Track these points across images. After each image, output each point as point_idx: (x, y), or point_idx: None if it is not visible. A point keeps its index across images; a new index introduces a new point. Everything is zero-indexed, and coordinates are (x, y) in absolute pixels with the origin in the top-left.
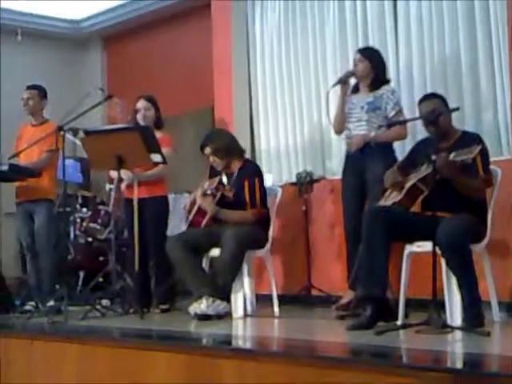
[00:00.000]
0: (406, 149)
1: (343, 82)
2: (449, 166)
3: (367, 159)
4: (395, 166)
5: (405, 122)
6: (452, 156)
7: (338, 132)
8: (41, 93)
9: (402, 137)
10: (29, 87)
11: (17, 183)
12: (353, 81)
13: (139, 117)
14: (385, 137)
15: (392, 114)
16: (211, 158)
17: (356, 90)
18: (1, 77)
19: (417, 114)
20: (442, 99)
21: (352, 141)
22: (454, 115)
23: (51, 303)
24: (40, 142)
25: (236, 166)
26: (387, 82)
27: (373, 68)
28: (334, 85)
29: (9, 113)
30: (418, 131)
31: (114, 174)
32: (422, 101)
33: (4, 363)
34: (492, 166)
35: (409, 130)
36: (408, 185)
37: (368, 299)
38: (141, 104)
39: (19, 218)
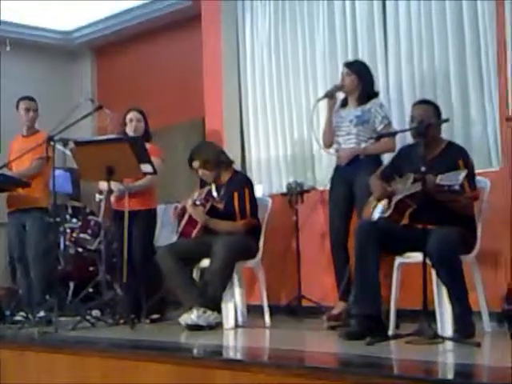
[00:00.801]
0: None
1: (330, 96)
2: (436, 190)
3: (355, 171)
4: (378, 172)
5: (394, 133)
6: (439, 179)
7: (327, 146)
8: (36, 104)
9: (391, 149)
10: (28, 98)
11: (8, 193)
12: (340, 95)
13: (129, 128)
14: (373, 149)
15: (381, 127)
16: (200, 172)
17: (345, 103)
18: None
19: (406, 126)
20: (436, 107)
21: (341, 154)
22: (443, 127)
23: (41, 314)
24: (32, 152)
25: (226, 177)
26: (375, 95)
27: (360, 82)
28: (320, 99)
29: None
30: (408, 139)
31: (103, 185)
32: (415, 104)
33: None
34: (481, 178)
35: (398, 138)
36: (395, 200)
37: (363, 317)
38: (132, 115)
39: (11, 228)
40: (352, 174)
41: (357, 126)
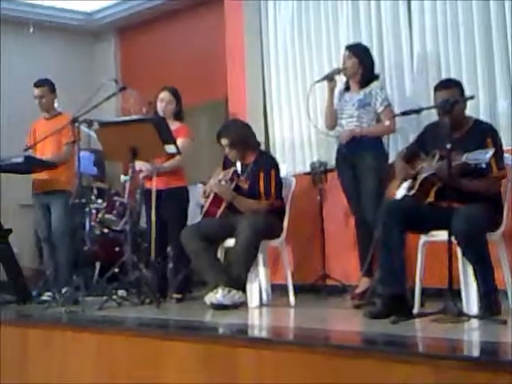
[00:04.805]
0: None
1: (329, 78)
2: (462, 169)
3: (357, 152)
4: (403, 152)
5: (419, 110)
6: (465, 157)
7: (330, 128)
8: (50, 87)
9: (391, 130)
10: (38, 84)
11: (34, 176)
12: (342, 78)
13: (159, 108)
14: (373, 131)
15: (381, 109)
16: (226, 150)
17: (348, 87)
18: (10, 70)
19: (431, 104)
20: (459, 86)
21: (341, 133)
22: (468, 104)
23: (68, 294)
24: (56, 134)
25: (252, 157)
26: (376, 78)
27: (361, 65)
28: (318, 81)
29: (23, 105)
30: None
31: (138, 164)
32: (437, 89)
33: (22, 353)
34: (507, 155)
35: (425, 117)
36: (421, 178)
37: (387, 297)
38: (164, 96)
39: (36, 210)
40: (354, 155)
41: (359, 109)
